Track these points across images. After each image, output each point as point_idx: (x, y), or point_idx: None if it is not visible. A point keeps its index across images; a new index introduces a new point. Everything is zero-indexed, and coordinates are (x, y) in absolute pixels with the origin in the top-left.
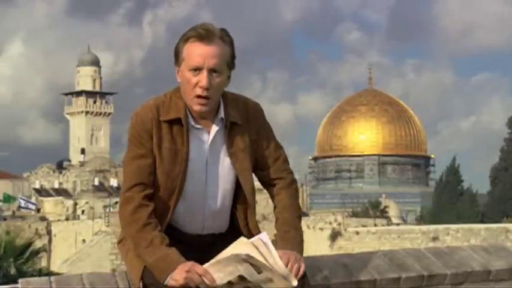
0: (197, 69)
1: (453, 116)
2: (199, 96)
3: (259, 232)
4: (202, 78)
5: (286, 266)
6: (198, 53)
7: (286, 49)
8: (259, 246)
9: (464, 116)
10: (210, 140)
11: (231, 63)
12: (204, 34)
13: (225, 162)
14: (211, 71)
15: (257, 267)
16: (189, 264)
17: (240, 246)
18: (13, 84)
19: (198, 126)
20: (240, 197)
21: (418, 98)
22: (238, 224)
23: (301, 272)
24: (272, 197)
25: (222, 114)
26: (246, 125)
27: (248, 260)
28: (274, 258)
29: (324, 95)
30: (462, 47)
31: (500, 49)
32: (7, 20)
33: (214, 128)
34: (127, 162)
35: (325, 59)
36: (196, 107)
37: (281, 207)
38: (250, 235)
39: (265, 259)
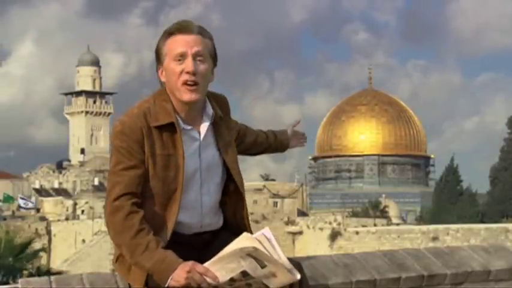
0: (181, 58)
1: (458, 117)
2: (186, 83)
3: (249, 225)
4: (188, 63)
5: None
6: (179, 42)
7: (293, 49)
8: (263, 242)
9: (469, 116)
10: (201, 138)
11: (213, 55)
12: (184, 25)
13: (215, 157)
14: (195, 56)
15: (261, 261)
16: (190, 263)
17: (245, 240)
18: (23, 85)
19: (188, 127)
20: (228, 191)
21: (425, 98)
22: (228, 218)
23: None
24: (259, 141)
25: (210, 110)
26: (225, 118)
27: (253, 253)
28: (278, 254)
29: (331, 95)
30: (469, 48)
31: (509, 50)
32: (19, 20)
33: (204, 126)
34: (116, 173)
35: (332, 60)
36: (186, 95)
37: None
38: (240, 229)
39: (269, 253)
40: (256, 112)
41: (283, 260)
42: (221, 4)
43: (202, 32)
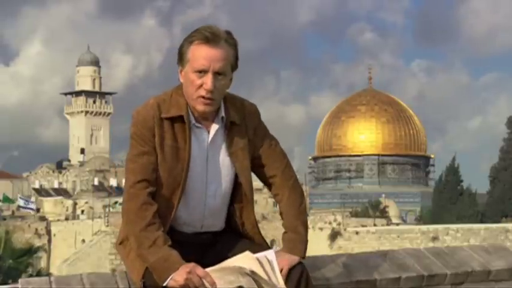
0: (202, 72)
1: (462, 117)
2: (203, 97)
3: (257, 231)
4: (207, 80)
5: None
6: (203, 55)
7: (299, 50)
8: (264, 264)
9: (472, 116)
10: (210, 139)
11: (234, 65)
12: (210, 37)
13: (225, 161)
14: (216, 73)
15: (259, 283)
16: (191, 265)
17: (246, 260)
18: (30, 85)
19: (199, 125)
20: (237, 196)
21: (431, 98)
22: (236, 223)
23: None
24: (273, 193)
25: (222, 113)
26: (243, 125)
27: (251, 275)
28: (277, 278)
29: (336, 95)
30: (476, 49)
31: None
32: (29, 21)
33: (214, 127)
34: (130, 160)
35: (338, 60)
36: (200, 107)
37: (282, 204)
38: (247, 234)
39: (268, 277)
40: (262, 112)
41: (281, 284)
42: (228, 4)
43: (228, 40)
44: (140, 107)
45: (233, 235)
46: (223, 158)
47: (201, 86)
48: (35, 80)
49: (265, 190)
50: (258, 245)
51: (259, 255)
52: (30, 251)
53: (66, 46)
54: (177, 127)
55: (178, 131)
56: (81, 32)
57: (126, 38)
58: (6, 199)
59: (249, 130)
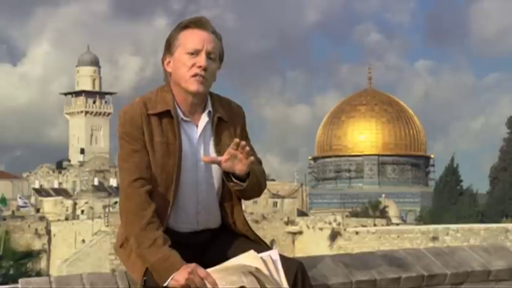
0: (194, 53)
1: (466, 117)
2: (196, 75)
3: (250, 229)
4: (201, 59)
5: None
6: (197, 37)
7: (305, 50)
8: (268, 263)
9: (475, 116)
10: (199, 134)
11: (221, 57)
12: (202, 21)
13: None
14: (208, 54)
15: (262, 282)
16: (192, 266)
17: (250, 259)
18: (37, 85)
19: (187, 119)
20: (226, 195)
21: (435, 99)
22: (227, 222)
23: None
24: None
25: (209, 107)
26: (231, 123)
27: (256, 273)
28: (280, 278)
29: (342, 96)
30: (480, 50)
31: None
32: (38, 21)
33: (203, 122)
34: (123, 159)
35: (344, 61)
36: (194, 86)
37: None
38: (240, 232)
39: (272, 276)
40: (267, 112)
41: (284, 284)
42: (235, 5)
43: (215, 32)
44: (127, 107)
45: (230, 234)
46: (212, 154)
47: (193, 65)
48: (43, 81)
49: (265, 190)
50: (256, 242)
51: (264, 254)
52: (30, 255)
53: (75, 47)
54: (165, 123)
55: (166, 126)
56: (90, 33)
57: (136, 39)
58: (3, 200)
59: (237, 129)
